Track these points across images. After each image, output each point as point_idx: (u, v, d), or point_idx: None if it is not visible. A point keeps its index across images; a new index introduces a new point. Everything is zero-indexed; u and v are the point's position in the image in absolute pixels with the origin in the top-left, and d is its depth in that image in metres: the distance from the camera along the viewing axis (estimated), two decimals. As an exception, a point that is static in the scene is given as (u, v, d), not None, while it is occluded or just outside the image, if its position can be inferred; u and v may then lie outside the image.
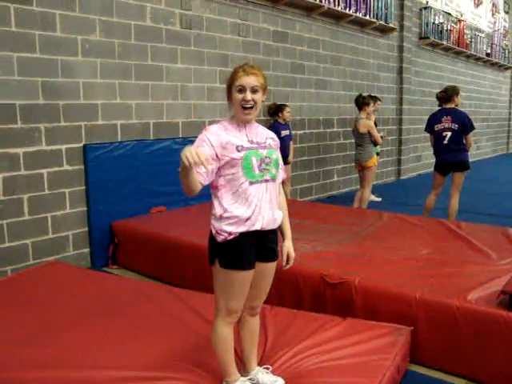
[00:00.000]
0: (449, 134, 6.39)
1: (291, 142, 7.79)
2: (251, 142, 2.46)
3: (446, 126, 6.41)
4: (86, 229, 5.51)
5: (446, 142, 6.44)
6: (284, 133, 7.52)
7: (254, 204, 2.43)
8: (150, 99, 6.07)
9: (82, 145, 5.37)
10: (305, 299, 3.95)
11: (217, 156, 2.38)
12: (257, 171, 2.44)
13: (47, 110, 5.07)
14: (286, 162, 7.55)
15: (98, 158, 5.44)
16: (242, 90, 2.42)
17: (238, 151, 2.40)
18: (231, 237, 2.40)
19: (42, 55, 4.98)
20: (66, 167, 5.26)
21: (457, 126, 6.34)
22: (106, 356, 3.05)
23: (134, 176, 5.81)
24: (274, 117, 7.67)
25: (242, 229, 2.42)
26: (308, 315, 3.53)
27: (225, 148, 2.38)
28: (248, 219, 2.42)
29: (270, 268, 2.63)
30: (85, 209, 5.46)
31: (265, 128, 2.66)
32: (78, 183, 5.37)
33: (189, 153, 2.10)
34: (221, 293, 2.52)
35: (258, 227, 2.45)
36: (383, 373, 2.82)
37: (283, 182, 7.33)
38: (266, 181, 2.49)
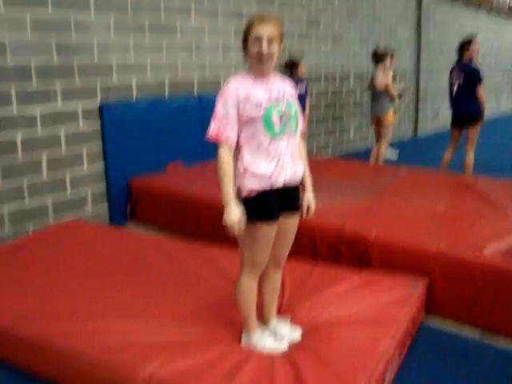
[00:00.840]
0: (456, 87, 6.38)
1: (308, 98, 7.73)
2: (270, 96, 2.44)
3: (457, 79, 6.37)
4: (104, 186, 5.56)
5: (455, 94, 6.41)
6: (300, 89, 7.44)
7: (276, 160, 2.44)
8: (164, 56, 6.03)
9: (98, 103, 5.38)
10: (321, 253, 3.99)
11: (238, 114, 2.38)
12: (277, 127, 2.43)
13: (62, 70, 5.06)
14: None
15: (115, 115, 5.46)
16: (258, 40, 2.38)
17: (259, 108, 2.38)
18: (254, 192, 2.42)
19: (54, 13, 4.93)
20: (83, 126, 5.29)
21: (463, 79, 6.29)
22: (123, 308, 3.14)
23: (150, 133, 5.83)
24: (289, 73, 7.57)
25: (265, 185, 2.43)
26: (325, 268, 3.58)
27: (245, 105, 2.37)
28: (270, 176, 2.43)
29: (293, 221, 2.66)
30: (102, 166, 5.51)
31: (282, 78, 2.63)
32: (95, 141, 5.41)
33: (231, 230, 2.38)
34: (246, 247, 2.55)
35: (280, 183, 2.47)
36: (398, 324, 2.86)
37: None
38: (287, 135, 2.49)
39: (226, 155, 2.39)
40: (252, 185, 2.43)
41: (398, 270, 3.53)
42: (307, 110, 7.73)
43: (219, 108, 2.39)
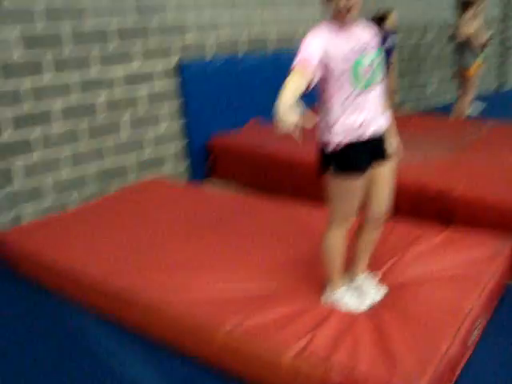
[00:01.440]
0: None
1: (394, 52, 7.52)
2: (356, 47, 2.35)
3: None
4: (185, 143, 5.65)
5: None
6: (390, 41, 7.25)
7: (364, 111, 2.39)
8: (239, 11, 5.98)
9: (176, 61, 5.42)
10: (403, 210, 3.90)
11: (323, 61, 2.29)
12: (364, 79, 2.37)
13: (141, 29, 5.12)
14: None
15: (193, 73, 5.49)
16: None
17: (346, 60, 2.31)
18: (342, 145, 2.38)
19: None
20: (162, 83, 5.36)
21: None
22: (209, 263, 3.22)
23: (228, 90, 5.83)
24: (378, 25, 7.37)
25: (353, 137, 2.39)
26: (408, 224, 3.51)
27: (331, 57, 2.29)
28: (359, 127, 2.39)
29: (386, 170, 2.58)
30: (182, 124, 5.59)
31: (366, 26, 2.51)
32: (174, 99, 5.47)
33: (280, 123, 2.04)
34: (335, 199, 2.53)
35: (368, 135, 2.43)
36: (484, 283, 2.78)
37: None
38: (373, 86, 2.42)
39: (298, 79, 2.18)
40: (340, 137, 2.38)
41: (484, 228, 3.41)
42: (394, 65, 7.53)
43: (306, 43, 2.26)
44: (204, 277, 3.04)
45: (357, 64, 2.33)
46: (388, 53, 7.28)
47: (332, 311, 2.61)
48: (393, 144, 2.64)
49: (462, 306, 2.56)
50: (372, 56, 2.41)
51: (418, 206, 3.81)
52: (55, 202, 4.69)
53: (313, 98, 2.38)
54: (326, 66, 2.31)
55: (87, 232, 3.84)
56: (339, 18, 2.34)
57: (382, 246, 3.20)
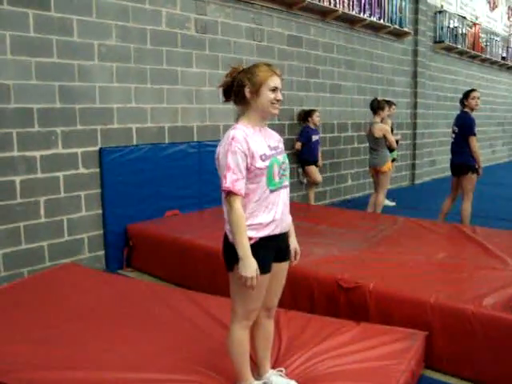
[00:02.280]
0: (453, 136, 6.51)
1: (320, 146, 7.94)
2: (270, 147, 2.50)
3: (454, 128, 6.48)
4: (102, 231, 5.55)
5: (451, 143, 6.58)
6: (315, 137, 7.79)
7: (274, 211, 2.48)
8: (165, 103, 6.11)
9: (97, 148, 5.42)
10: (319, 303, 3.95)
11: (246, 166, 2.41)
12: (277, 178, 2.49)
13: (64, 114, 5.13)
14: (316, 165, 7.92)
15: (114, 161, 5.49)
16: (276, 90, 2.48)
17: (263, 160, 2.43)
18: (251, 242, 2.42)
19: (59, 60, 5.03)
20: (82, 170, 5.31)
21: (457, 129, 6.41)
22: (119, 357, 3.08)
23: (149, 179, 5.85)
24: (304, 122, 7.84)
25: (263, 234, 2.45)
26: (322, 319, 3.54)
27: (252, 157, 2.41)
28: (268, 225, 2.46)
29: (284, 268, 2.69)
30: (100, 212, 5.51)
31: (272, 130, 2.69)
32: (93, 186, 5.42)
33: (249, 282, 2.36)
34: (239, 297, 2.54)
35: (277, 232, 2.50)
36: (398, 378, 2.82)
37: (311, 185, 7.35)
38: (285, 186, 2.55)
39: (240, 208, 2.39)
40: (252, 233, 2.43)
41: (396, 321, 3.49)
42: (320, 159, 7.98)
43: (229, 160, 2.37)
44: (110, 372, 2.90)
45: (271, 164, 2.44)
46: (314, 147, 7.71)
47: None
48: (292, 244, 2.74)
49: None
50: (282, 157, 2.54)
51: (333, 301, 3.86)
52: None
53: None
54: (248, 167, 2.41)
55: None
56: (264, 113, 2.50)
57: (295, 341, 3.21)
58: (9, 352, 3.14)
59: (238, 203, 2.38)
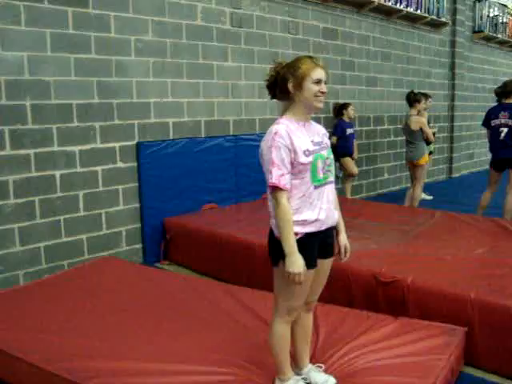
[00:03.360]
0: (505, 129, 6.24)
1: (355, 140, 7.88)
2: (313, 143, 2.48)
3: (503, 121, 6.26)
4: (139, 225, 5.62)
5: (501, 137, 6.29)
6: (349, 131, 7.72)
7: (319, 207, 2.46)
8: (201, 97, 6.14)
9: (135, 142, 5.49)
10: (356, 298, 3.93)
11: (291, 161, 2.39)
12: (321, 174, 2.46)
13: (102, 109, 5.20)
14: (351, 158, 7.88)
15: (151, 155, 5.55)
16: (319, 82, 2.45)
17: (306, 156, 2.41)
18: (297, 237, 2.40)
19: (97, 56, 5.11)
20: (120, 164, 5.39)
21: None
22: (160, 349, 3.12)
23: (185, 173, 5.89)
24: (338, 116, 7.80)
25: (309, 229, 2.44)
26: (359, 314, 3.52)
27: (295, 152, 2.39)
28: (313, 222, 2.44)
29: (328, 264, 2.67)
30: (137, 205, 5.58)
31: (317, 123, 2.67)
32: (131, 180, 5.49)
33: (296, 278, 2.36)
34: (283, 293, 2.53)
35: (322, 228, 2.49)
36: (437, 373, 2.78)
37: (347, 178, 7.29)
38: (330, 182, 2.53)
39: (287, 203, 2.38)
40: (297, 229, 2.41)
41: (435, 316, 3.44)
42: (355, 152, 7.91)
43: (274, 155, 2.36)
44: (147, 364, 2.95)
45: (315, 159, 2.42)
46: (349, 140, 7.66)
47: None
48: (342, 240, 2.71)
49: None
50: (326, 152, 2.51)
51: (371, 295, 3.84)
52: (5, 277, 4.60)
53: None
54: (292, 162, 2.40)
55: (34, 311, 3.71)
56: (308, 107, 2.48)
57: (334, 335, 3.21)
58: (51, 342, 3.21)
59: (284, 198, 2.37)
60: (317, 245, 2.51)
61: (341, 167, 7.96)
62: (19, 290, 4.23)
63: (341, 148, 7.77)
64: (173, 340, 3.25)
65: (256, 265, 4.56)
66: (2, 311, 3.73)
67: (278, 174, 2.35)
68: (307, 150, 2.41)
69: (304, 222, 2.42)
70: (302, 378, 2.73)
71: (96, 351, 3.10)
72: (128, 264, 4.94)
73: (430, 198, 8.90)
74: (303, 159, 2.39)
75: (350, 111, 7.79)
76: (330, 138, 7.67)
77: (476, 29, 11.99)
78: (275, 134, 2.39)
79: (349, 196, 8.00)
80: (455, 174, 11.67)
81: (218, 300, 3.86)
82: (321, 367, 2.84)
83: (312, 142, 2.47)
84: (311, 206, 2.44)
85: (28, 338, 3.28)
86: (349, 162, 7.82)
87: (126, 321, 3.56)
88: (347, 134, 7.71)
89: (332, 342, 3.13)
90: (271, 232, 2.52)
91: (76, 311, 3.73)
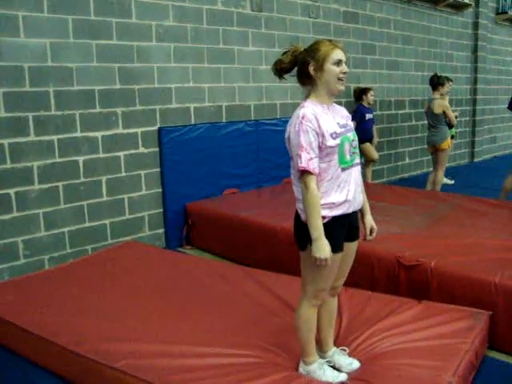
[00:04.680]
0: None
1: (374, 125, 7.83)
2: (339, 125, 2.46)
3: None
4: (161, 210, 5.66)
5: None
6: (368, 116, 7.67)
7: (347, 189, 2.46)
8: (222, 82, 6.14)
9: (156, 128, 5.51)
10: (379, 281, 3.93)
11: (319, 145, 2.39)
12: (348, 156, 2.46)
13: (123, 95, 5.23)
14: (371, 143, 7.82)
15: (173, 140, 5.57)
16: (340, 63, 2.44)
17: (334, 138, 2.40)
18: (325, 220, 2.40)
19: (118, 42, 5.12)
20: (142, 150, 5.42)
21: None
22: (183, 332, 3.16)
23: (207, 158, 5.91)
24: (358, 101, 7.74)
25: (336, 213, 2.43)
26: (383, 297, 3.52)
27: (323, 136, 2.38)
28: (341, 204, 2.44)
29: (354, 247, 2.68)
30: (160, 190, 5.61)
31: (340, 106, 2.66)
32: (153, 165, 5.53)
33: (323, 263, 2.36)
34: (311, 276, 2.54)
35: (350, 211, 2.49)
36: (461, 357, 2.77)
37: (367, 163, 7.20)
38: (356, 164, 2.53)
39: (315, 188, 2.38)
40: (325, 212, 2.41)
41: (458, 300, 3.43)
42: (375, 137, 7.86)
43: (302, 139, 2.35)
44: (171, 346, 2.99)
45: (342, 142, 2.42)
46: (368, 125, 7.61)
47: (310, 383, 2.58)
48: (368, 222, 2.71)
49: (438, 381, 2.54)
50: (352, 134, 2.51)
51: (394, 279, 3.83)
52: (30, 262, 4.66)
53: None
54: (320, 146, 2.39)
55: (60, 295, 3.79)
56: (330, 89, 2.47)
57: (357, 318, 3.22)
58: (77, 325, 3.28)
59: (313, 183, 2.36)
60: (344, 229, 2.51)
61: (361, 153, 7.92)
62: (45, 274, 4.32)
63: (360, 133, 7.67)
64: (195, 322, 3.29)
65: (278, 249, 4.58)
66: (29, 294, 3.81)
67: (307, 158, 2.34)
68: (334, 133, 2.40)
69: (331, 205, 2.42)
70: (326, 361, 2.75)
71: (122, 334, 3.15)
72: (151, 248, 5.00)
73: (452, 182, 8.82)
74: (331, 142, 2.38)
75: (370, 97, 7.72)
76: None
77: (499, 10, 11.77)
78: (302, 117, 2.38)
79: (370, 181, 7.97)
80: (477, 158, 11.54)
81: (242, 283, 3.89)
82: (345, 350, 2.85)
83: (338, 124, 2.46)
84: (339, 189, 2.43)
85: (56, 320, 3.35)
86: (369, 148, 7.77)
87: (151, 304, 3.60)
88: (366, 119, 7.65)
89: (356, 325, 3.14)
90: (297, 216, 2.53)
91: (101, 295, 3.79)
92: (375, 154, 7.85)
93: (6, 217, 4.52)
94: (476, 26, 10.89)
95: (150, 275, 4.17)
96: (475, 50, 10.98)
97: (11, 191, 4.53)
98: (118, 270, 4.32)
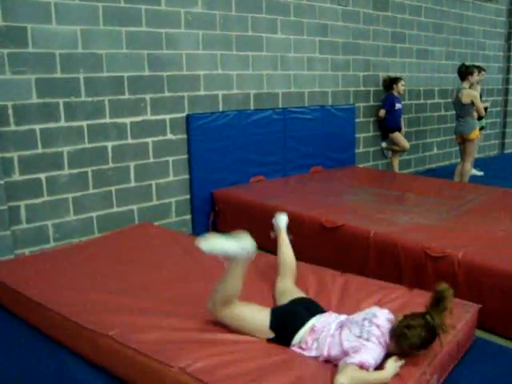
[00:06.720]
0: None
1: (401, 114, 7.80)
2: None
3: None
4: (188, 196, 5.70)
5: None
6: (398, 105, 7.66)
7: None
8: (250, 70, 6.13)
9: (184, 115, 5.54)
10: (406, 272, 3.91)
11: None
12: None
13: (152, 82, 5.26)
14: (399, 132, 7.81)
15: (200, 127, 5.60)
16: None
17: None
18: None
19: (147, 28, 5.15)
20: (170, 136, 5.46)
21: None
22: (190, 309, 3.22)
23: (234, 145, 5.93)
24: (388, 90, 7.69)
25: None
26: (375, 283, 3.54)
27: None
28: None
29: None
30: (187, 177, 5.66)
31: None
32: (180, 152, 5.57)
33: None
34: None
35: None
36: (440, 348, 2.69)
37: (394, 153, 7.04)
38: None
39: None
40: None
41: (486, 292, 3.43)
42: (403, 127, 7.83)
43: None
44: (167, 319, 3.07)
45: None
46: (397, 115, 7.56)
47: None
48: None
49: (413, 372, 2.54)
50: None
51: (420, 269, 3.81)
52: (60, 245, 4.75)
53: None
54: None
55: (70, 271, 3.93)
56: None
57: (346, 304, 3.23)
58: (88, 299, 3.39)
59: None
60: None
61: (391, 142, 7.86)
62: (56, 251, 4.46)
63: (389, 123, 7.68)
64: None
65: (305, 237, 4.57)
66: (42, 271, 3.94)
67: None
68: None
69: None
70: None
71: (121, 307, 3.27)
72: (164, 230, 5.05)
73: (481, 173, 8.71)
74: None
75: (400, 87, 7.67)
76: (378, 112, 7.54)
77: (535, -3, 11.49)
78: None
79: (397, 171, 7.91)
80: (508, 150, 11.35)
81: (266, 271, 3.90)
82: None
83: None
84: None
85: (63, 294, 3.50)
86: (399, 137, 7.72)
87: (157, 281, 3.71)
88: (396, 108, 7.61)
89: (344, 310, 3.08)
90: None
91: (108, 272, 3.91)
92: (406, 144, 7.79)
93: (38, 201, 4.61)
94: (510, 13, 10.67)
95: (161, 255, 4.27)
96: (509, 38, 10.76)
97: (42, 176, 4.62)
98: (130, 249, 4.43)
